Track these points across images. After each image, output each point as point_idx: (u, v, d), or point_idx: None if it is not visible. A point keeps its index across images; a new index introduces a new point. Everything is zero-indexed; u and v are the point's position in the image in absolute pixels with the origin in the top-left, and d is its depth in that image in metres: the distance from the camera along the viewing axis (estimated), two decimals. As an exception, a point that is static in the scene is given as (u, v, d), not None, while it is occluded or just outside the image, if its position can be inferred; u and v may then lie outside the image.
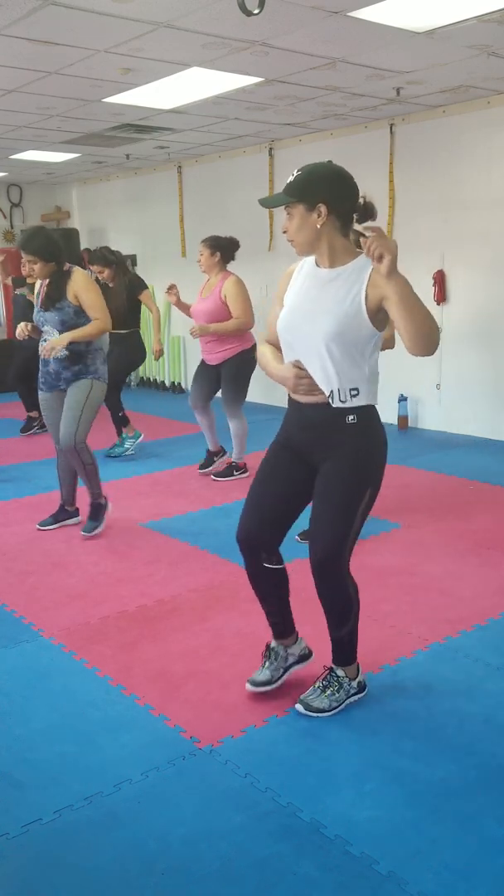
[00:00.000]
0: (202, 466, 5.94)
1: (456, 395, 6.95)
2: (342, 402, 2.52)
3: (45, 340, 4.40)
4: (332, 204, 2.45)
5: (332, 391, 2.52)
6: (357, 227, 2.42)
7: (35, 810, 2.28)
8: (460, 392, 6.91)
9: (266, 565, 2.76)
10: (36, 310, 4.48)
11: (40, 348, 4.41)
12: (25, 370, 7.36)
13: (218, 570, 4.06)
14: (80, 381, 4.40)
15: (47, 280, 4.38)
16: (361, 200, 2.56)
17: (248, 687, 2.87)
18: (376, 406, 2.61)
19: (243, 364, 5.47)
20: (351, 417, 2.53)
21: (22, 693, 2.94)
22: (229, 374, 5.56)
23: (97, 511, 4.63)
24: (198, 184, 9.02)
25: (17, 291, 7.34)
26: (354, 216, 2.55)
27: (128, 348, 6.41)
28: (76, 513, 4.80)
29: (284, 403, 2.74)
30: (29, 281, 4.49)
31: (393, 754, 2.50)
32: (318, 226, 2.46)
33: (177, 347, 9.64)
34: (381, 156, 7.05)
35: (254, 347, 2.65)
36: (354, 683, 2.79)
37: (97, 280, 5.77)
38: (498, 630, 3.33)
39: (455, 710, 2.74)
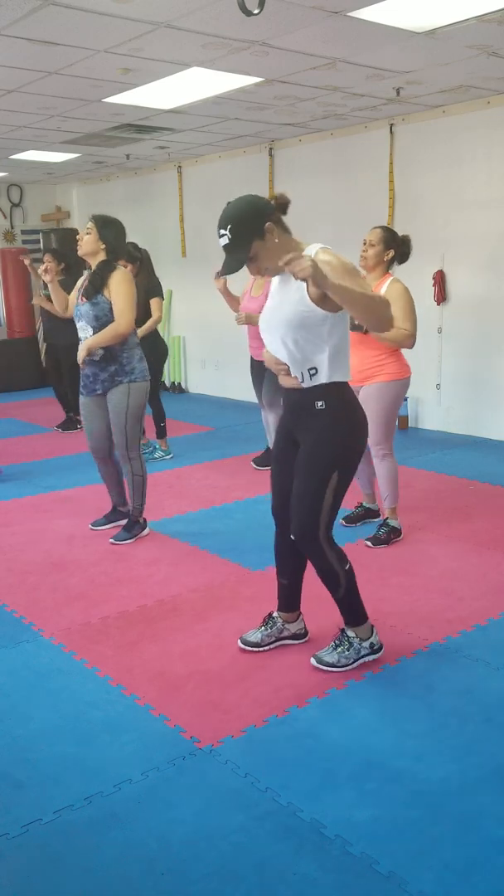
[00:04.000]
0: (260, 464, 5.95)
1: (456, 395, 6.95)
2: (302, 382, 2.82)
3: (81, 340, 4.34)
4: (271, 219, 2.71)
5: (298, 374, 2.82)
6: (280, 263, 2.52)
7: (35, 810, 2.28)
8: (460, 392, 6.91)
9: (292, 537, 2.99)
10: (76, 303, 4.40)
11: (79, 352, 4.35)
12: (61, 367, 7.63)
13: (218, 570, 4.06)
14: (117, 388, 4.30)
15: (91, 272, 4.30)
16: (273, 201, 2.80)
17: (239, 643, 3.19)
18: (350, 392, 2.87)
19: None
20: (319, 404, 2.81)
21: (22, 693, 2.95)
22: None
23: (132, 525, 4.54)
24: (198, 184, 9.02)
25: (45, 291, 7.43)
26: (281, 216, 2.80)
27: (148, 349, 6.45)
28: (129, 513, 4.67)
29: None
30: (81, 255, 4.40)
31: (393, 754, 2.50)
32: (277, 241, 2.72)
33: (177, 347, 9.64)
34: (381, 156, 7.05)
35: None
36: (367, 644, 3.03)
37: None
38: (498, 630, 3.33)
39: (455, 710, 2.75)
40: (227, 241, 2.69)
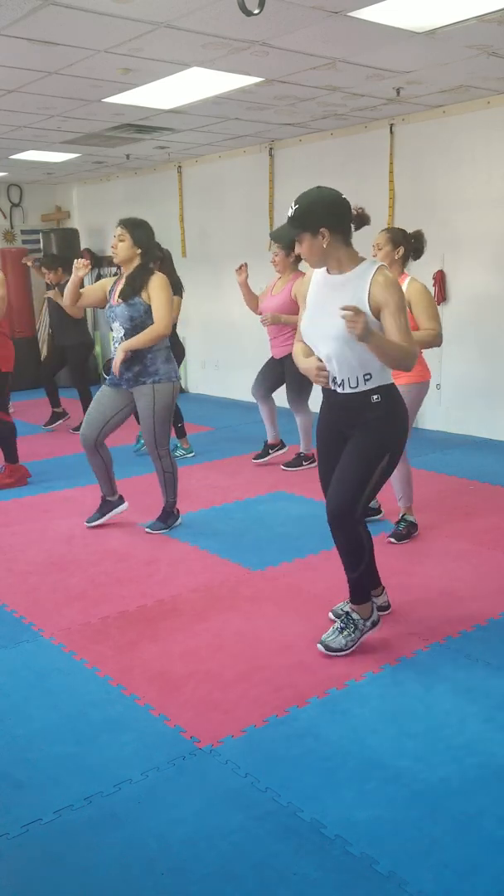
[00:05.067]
0: (258, 457, 6.08)
1: (456, 395, 6.95)
2: (353, 387, 2.98)
3: (114, 339, 4.42)
4: (332, 227, 2.86)
5: (345, 379, 2.97)
6: (340, 312, 2.73)
7: (35, 810, 2.28)
8: (460, 392, 6.91)
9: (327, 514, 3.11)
10: (108, 305, 4.46)
11: (113, 348, 4.42)
12: (55, 367, 7.68)
13: (218, 570, 4.06)
14: (141, 388, 4.37)
15: (126, 274, 4.37)
16: (355, 213, 2.96)
17: (320, 647, 3.16)
18: (395, 386, 3.06)
19: None
20: (375, 397, 2.98)
21: (22, 693, 2.94)
22: (294, 370, 5.60)
23: (167, 516, 4.66)
24: (198, 184, 9.02)
25: (46, 295, 7.54)
26: (352, 226, 2.96)
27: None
28: (120, 500, 4.78)
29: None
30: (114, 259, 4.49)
31: (393, 754, 2.50)
32: (324, 246, 2.88)
33: (177, 347, 9.64)
34: (381, 156, 7.04)
35: None
36: (369, 622, 3.16)
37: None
38: (498, 630, 3.33)
39: (455, 710, 2.75)
40: (290, 214, 2.89)
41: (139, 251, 4.31)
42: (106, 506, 4.76)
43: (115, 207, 10.29)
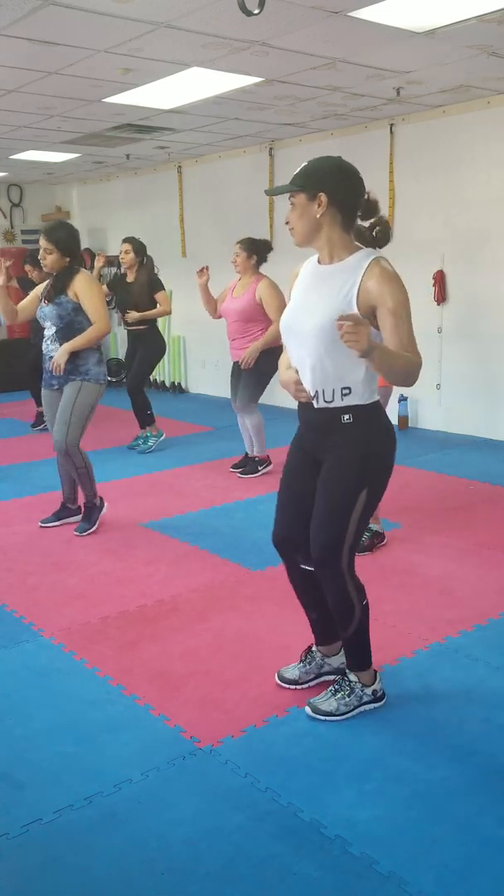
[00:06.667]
0: (237, 466, 5.89)
1: (456, 395, 6.95)
2: (327, 402, 2.53)
3: (45, 337, 4.52)
4: (333, 195, 2.47)
5: (319, 391, 2.54)
6: (339, 320, 2.27)
7: (35, 810, 2.28)
8: (460, 392, 6.91)
9: (303, 566, 2.76)
10: (39, 306, 4.55)
11: (45, 346, 4.52)
12: (36, 366, 7.52)
13: (218, 570, 4.06)
14: (70, 383, 4.47)
15: (53, 276, 4.47)
16: (366, 197, 2.57)
17: (276, 678, 2.93)
18: (379, 405, 2.61)
19: (266, 362, 5.41)
20: (346, 417, 2.53)
21: (22, 693, 2.94)
22: (250, 370, 5.56)
23: (90, 512, 4.68)
24: (198, 184, 9.02)
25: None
26: (358, 213, 2.57)
27: (147, 345, 6.59)
28: (78, 510, 4.82)
29: (281, 403, 2.76)
30: (43, 270, 4.61)
31: (393, 754, 2.50)
32: (318, 216, 2.48)
33: (177, 347, 9.64)
34: (381, 156, 7.04)
35: (281, 347, 2.79)
36: (369, 691, 2.74)
37: (116, 272, 5.83)
38: (498, 630, 3.33)
39: (455, 710, 2.75)
40: (297, 171, 2.52)
41: (66, 258, 4.41)
42: (63, 511, 4.81)
43: (115, 207, 10.30)
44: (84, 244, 10.52)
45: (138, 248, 6.46)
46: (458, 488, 5.36)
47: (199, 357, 9.44)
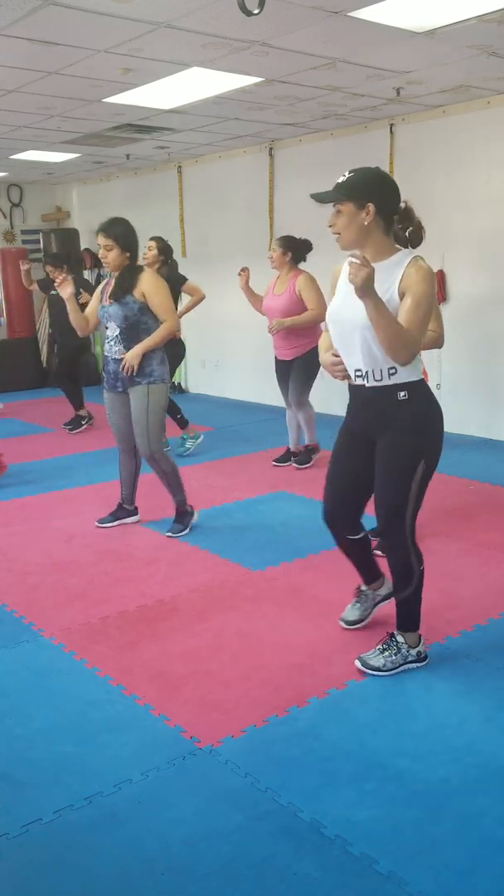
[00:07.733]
0: (279, 460, 6.08)
1: (456, 395, 6.94)
2: (377, 381, 2.80)
3: (107, 338, 4.43)
4: (379, 205, 2.75)
5: (368, 371, 2.81)
6: (349, 258, 2.58)
7: (35, 810, 2.28)
8: (460, 392, 6.90)
9: (350, 538, 3.16)
10: (100, 305, 4.46)
11: (107, 347, 4.44)
12: (71, 368, 7.60)
13: (218, 570, 4.06)
14: (136, 388, 4.38)
15: (115, 275, 4.38)
16: (403, 205, 2.86)
17: (342, 624, 3.31)
18: (426, 383, 2.89)
19: (314, 359, 5.53)
20: (402, 394, 2.81)
21: (22, 693, 2.95)
22: (300, 368, 5.78)
23: (182, 516, 4.64)
24: (198, 184, 9.02)
25: (53, 292, 7.45)
26: (395, 218, 2.85)
27: (168, 346, 6.54)
28: (135, 511, 4.81)
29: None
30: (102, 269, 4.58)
31: (393, 754, 2.50)
32: (365, 223, 2.75)
33: (177, 347, 9.64)
34: (381, 156, 7.03)
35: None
36: (414, 652, 3.01)
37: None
38: (498, 630, 3.33)
39: (455, 710, 2.75)
40: (341, 180, 2.76)
41: (127, 253, 4.32)
42: (120, 511, 4.81)
43: (115, 207, 10.26)
44: (84, 244, 10.54)
45: (163, 247, 6.47)
46: (458, 488, 5.36)
47: (199, 357, 9.44)
